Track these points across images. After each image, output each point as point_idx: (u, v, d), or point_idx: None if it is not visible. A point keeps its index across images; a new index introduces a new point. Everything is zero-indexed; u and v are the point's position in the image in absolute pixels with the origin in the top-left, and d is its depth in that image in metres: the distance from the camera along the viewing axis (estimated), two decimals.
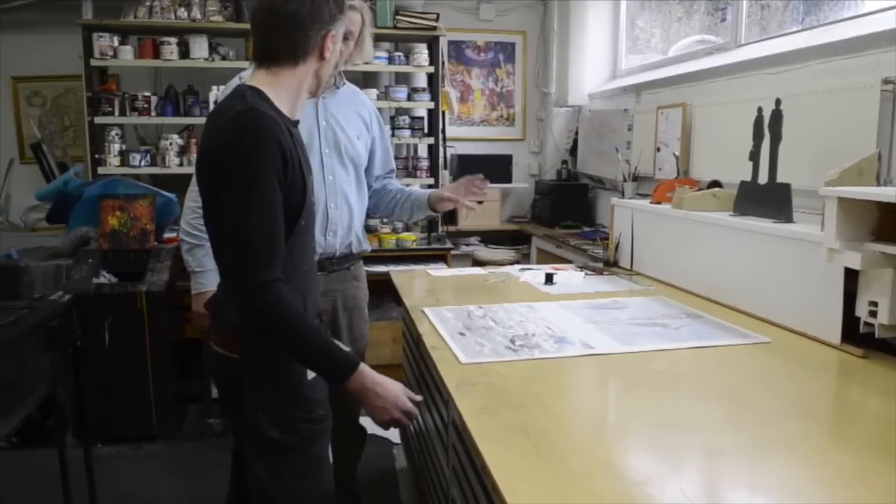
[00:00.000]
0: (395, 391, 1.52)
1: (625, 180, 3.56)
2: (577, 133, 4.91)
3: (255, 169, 1.36)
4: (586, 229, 4.36)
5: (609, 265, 3.01)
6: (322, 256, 2.14)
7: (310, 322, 1.45)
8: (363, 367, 1.48)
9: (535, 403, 1.45)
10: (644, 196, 3.21)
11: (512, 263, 3.84)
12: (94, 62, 3.94)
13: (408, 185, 2.54)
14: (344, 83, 2.34)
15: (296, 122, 1.55)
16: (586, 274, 2.84)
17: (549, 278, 2.66)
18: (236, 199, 1.37)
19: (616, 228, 3.07)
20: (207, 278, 2.23)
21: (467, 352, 1.76)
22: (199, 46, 4.01)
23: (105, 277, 3.42)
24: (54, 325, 2.42)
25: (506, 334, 1.93)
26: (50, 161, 4.43)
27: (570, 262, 3.56)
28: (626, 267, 2.96)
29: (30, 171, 4.64)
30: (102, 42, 3.94)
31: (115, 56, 3.97)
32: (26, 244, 4.07)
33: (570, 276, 2.76)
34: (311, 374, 1.51)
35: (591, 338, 1.89)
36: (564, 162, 4.95)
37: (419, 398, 1.57)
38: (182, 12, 4.02)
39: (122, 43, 4.00)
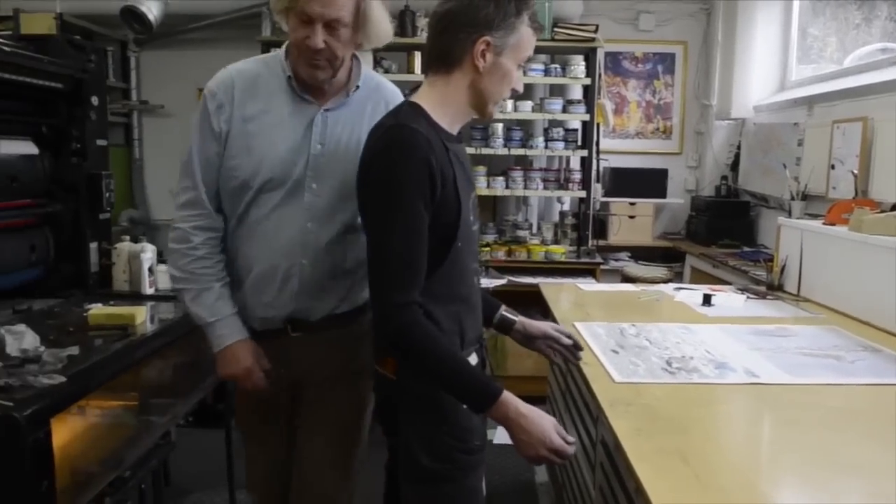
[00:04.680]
0: (542, 427, 1.36)
1: (793, 199, 3.33)
2: (739, 147, 4.67)
3: (398, 188, 1.32)
4: (746, 249, 4.12)
5: (773, 289, 2.83)
6: (298, 317, 1.69)
7: (448, 347, 1.38)
8: (507, 396, 1.36)
9: (696, 430, 1.40)
10: (814, 216, 3.00)
11: (664, 282, 3.72)
12: None
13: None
14: (357, 87, 1.66)
15: (456, 138, 1.48)
16: (748, 297, 2.69)
17: (706, 299, 2.55)
18: (379, 217, 1.36)
19: (782, 250, 2.89)
20: (229, 326, 1.67)
21: (621, 371, 1.73)
22: (364, 60, 4.16)
23: None
24: None
25: (661, 355, 1.87)
26: None
27: (728, 283, 3.39)
28: (792, 292, 2.78)
29: None
30: None
31: None
32: None
33: (729, 299, 2.63)
34: None
35: (755, 366, 1.79)
36: (724, 178, 4.72)
37: (572, 439, 1.39)
38: None
39: None
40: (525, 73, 4.26)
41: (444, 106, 1.44)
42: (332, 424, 1.75)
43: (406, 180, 1.32)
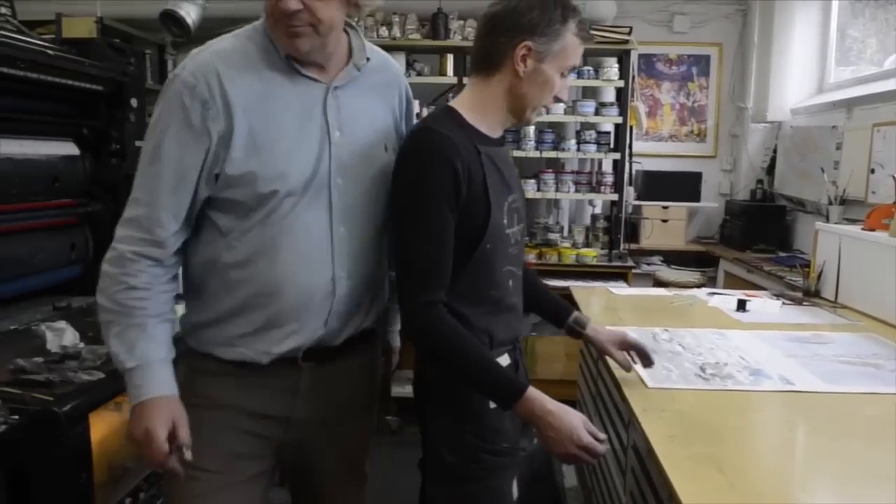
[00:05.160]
0: (570, 423, 1.33)
1: (830, 203, 3.27)
2: (775, 151, 4.60)
3: (422, 190, 1.34)
4: (782, 254, 4.05)
5: (809, 295, 2.78)
6: (320, 344, 1.42)
7: (473, 344, 1.37)
8: (532, 393, 1.34)
9: (731, 437, 1.39)
10: (853, 221, 2.94)
11: (697, 286, 3.67)
12: None
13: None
14: (367, 59, 1.43)
15: (496, 141, 1.47)
16: (783, 303, 2.65)
17: (741, 305, 2.52)
18: (404, 218, 1.38)
19: (819, 255, 2.83)
20: (151, 377, 1.31)
21: (654, 376, 1.71)
22: (397, 63, 4.22)
23: None
24: None
25: (695, 361, 1.85)
26: None
27: (762, 288, 3.34)
28: (829, 298, 2.72)
29: None
30: None
31: None
32: None
33: (764, 304, 2.59)
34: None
35: (790, 373, 1.76)
36: (760, 181, 4.65)
37: (603, 436, 1.36)
38: (384, 31, 4.27)
39: None
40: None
41: (481, 109, 1.44)
42: (345, 458, 1.60)
43: (430, 183, 1.34)
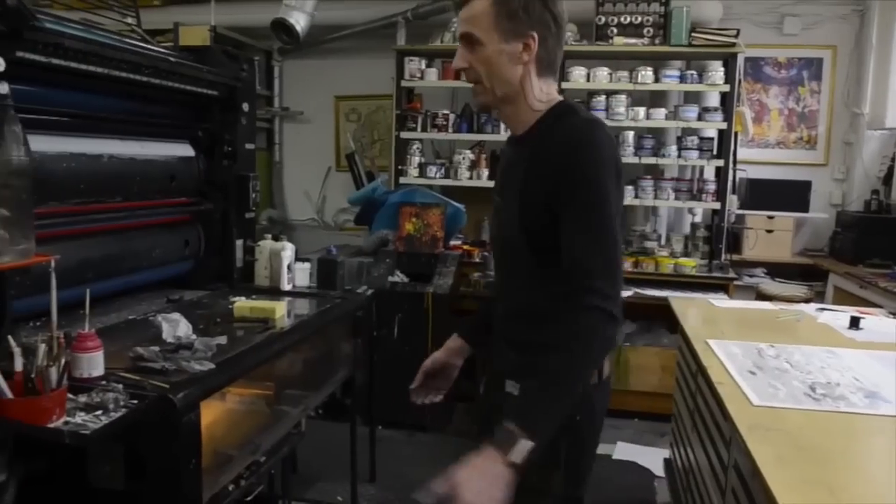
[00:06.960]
0: None
1: None
2: (893, 159, 4.34)
3: None
4: None
5: None
6: None
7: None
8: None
9: (843, 461, 1.32)
10: None
11: (804, 301, 3.50)
12: (403, 83, 4.41)
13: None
14: None
15: (514, 140, 1.50)
16: None
17: (854, 322, 2.39)
18: None
19: None
20: None
21: (760, 393, 1.65)
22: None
23: (398, 277, 3.78)
24: (360, 315, 2.74)
25: (804, 380, 1.77)
26: (360, 170, 5.01)
27: (877, 305, 3.14)
28: None
29: (342, 178, 5.30)
30: (412, 65, 4.38)
31: (421, 78, 4.39)
32: (334, 241, 4.63)
33: (880, 323, 2.45)
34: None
35: None
36: (875, 192, 4.39)
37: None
38: (448, 37, 4.31)
39: (428, 66, 4.40)
40: (659, 80, 4.14)
41: None
42: None
43: None
